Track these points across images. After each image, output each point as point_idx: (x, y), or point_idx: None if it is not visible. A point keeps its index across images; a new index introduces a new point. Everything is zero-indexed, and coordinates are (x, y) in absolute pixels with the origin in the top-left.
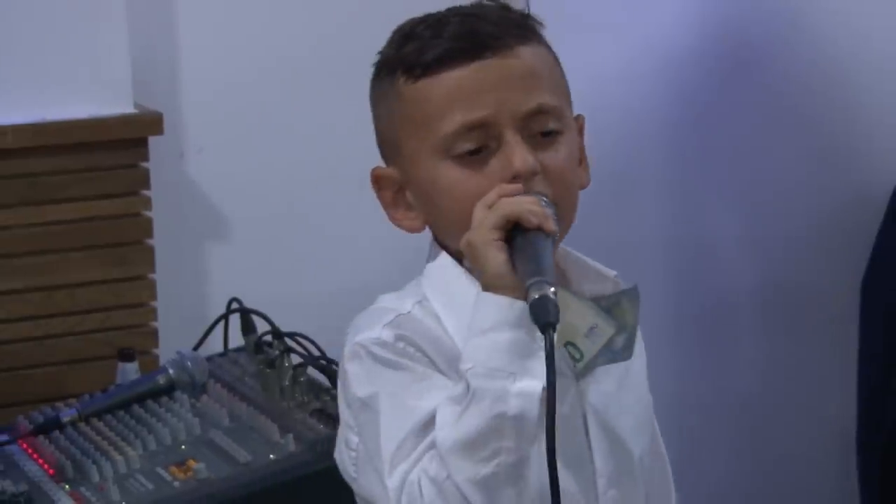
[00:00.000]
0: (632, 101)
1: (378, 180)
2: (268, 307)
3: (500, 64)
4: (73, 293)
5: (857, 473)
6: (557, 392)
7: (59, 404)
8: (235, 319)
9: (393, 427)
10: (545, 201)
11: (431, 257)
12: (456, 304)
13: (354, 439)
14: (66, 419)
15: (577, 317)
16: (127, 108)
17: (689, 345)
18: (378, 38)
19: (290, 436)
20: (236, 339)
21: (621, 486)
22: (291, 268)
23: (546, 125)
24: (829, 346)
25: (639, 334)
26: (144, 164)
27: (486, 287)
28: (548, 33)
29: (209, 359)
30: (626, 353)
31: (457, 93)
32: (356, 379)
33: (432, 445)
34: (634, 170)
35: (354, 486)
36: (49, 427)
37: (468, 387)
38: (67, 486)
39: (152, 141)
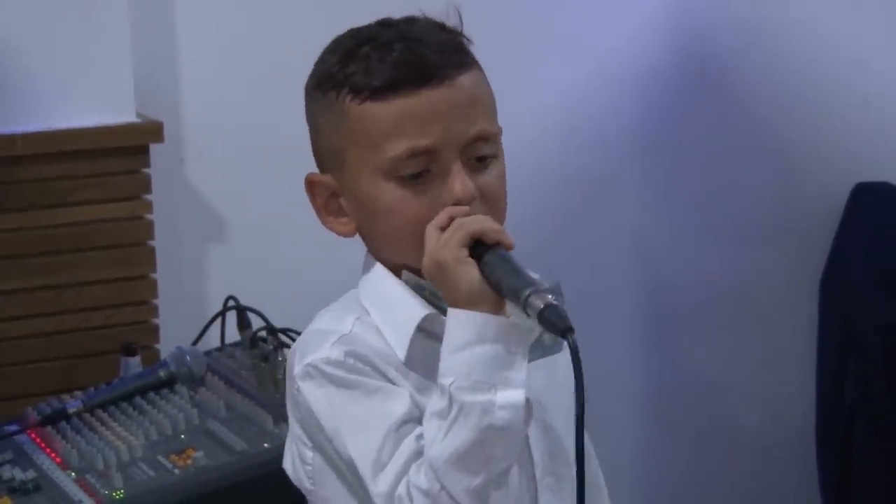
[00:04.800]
0: (604, 112)
1: (312, 186)
2: (262, 304)
3: (446, 93)
4: (79, 292)
5: (816, 458)
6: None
7: (66, 396)
8: (232, 316)
9: (363, 441)
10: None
11: (366, 269)
12: (393, 315)
13: (309, 454)
14: (72, 410)
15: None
16: (129, 118)
17: (657, 338)
18: None
19: (284, 425)
20: (233, 335)
21: (556, 473)
22: (284, 268)
23: (483, 150)
24: (789, 340)
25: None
26: (146, 170)
27: (461, 303)
28: (523, 50)
29: (207, 353)
30: (555, 346)
31: (405, 119)
32: (312, 399)
33: (416, 455)
34: (607, 176)
35: (311, 497)
36: (56, 418)
37: (451, 401)
38: (73, 474)
39: (153, 148)
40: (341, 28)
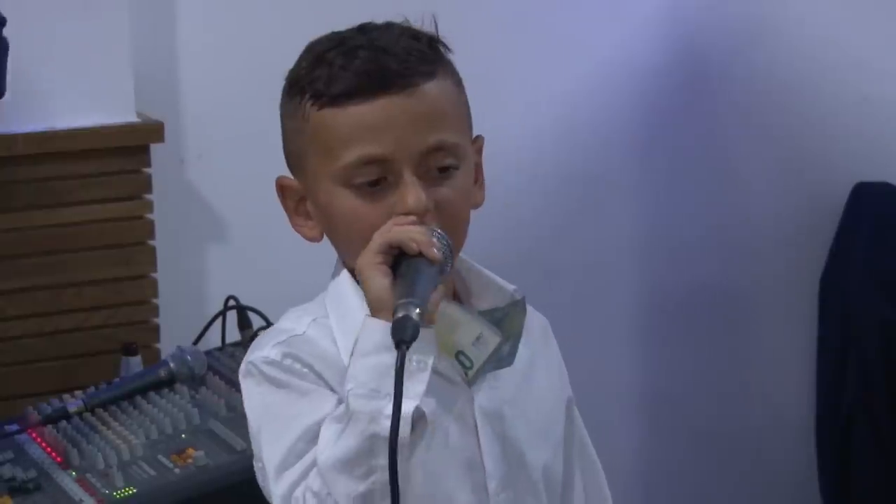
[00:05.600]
0: (603, 112)
1: (282, 189)
2: (262, 304)
3: (403, 103)
4: (80, 291)
5: (816, 458)
6: (446, 399)
7: (67, 396)
8: (232, 316)
9: (276, 439)
10: (439, 233)
11: (335, 273)
12: (347, 322)
13: (258, 451)
14: (73, 410)
15: (465, 328)
16: (130, 118)
17: (656, 338)
18: None
19: None
20: (233, 335)
21: (516, 488)
22: (284, 267)
23: (443, 161)
24: (788, 339)
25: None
26: (146, 170)
27: (371, 309)
28: (523, 50)
29: (208, 353)
30: (509, 358)
31: (359, 127)
32: (247, 396)
33: (316, 462)
34: (607, 176)
35: (265, 493)
36: (57, 417)
37: (347, 407)
38: (74, 473)
39: (154, 148)
40: (341, 27)
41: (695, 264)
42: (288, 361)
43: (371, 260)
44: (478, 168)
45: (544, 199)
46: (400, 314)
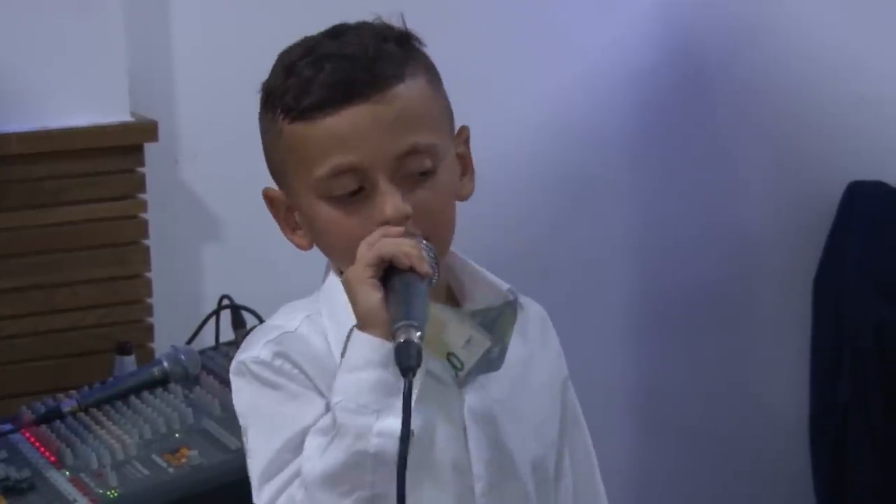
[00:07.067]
0: (597, 111)
1: (270, 200)
2: (256, 303)
3: (371, 110)
4: (74, 291)
5: (810, 458)
6: (437, 401)
7: (61, 395)
8: (226, 315)
9: (262, 445)
10: (425, 244)
11: (325, 274)
12: (339, 323)
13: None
14: (66, 409)
15: (456, 330)
16: (124, 117)
17: (650, 337)
18: None
19: None
20: (227, 334)
21: (503, 489)
22: (278, 267)
23: (420, 164)
24: (782, 339)
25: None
26: (141, 170)
27: (359, 323)
28: (519, 51)
29: (202, 352)
30: (498, 362)
31: (329, 139)
32: (236, 396)
33: (300, 472)
34: (602, 175)
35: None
36: (51, 417)
37: (334, 420)
38: (68, 473)
39: (148, 147)
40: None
41: (689, 263)
42: (278, 362)
43: (361, 274)
44: (465, 159)
45: (539, 196)
46: (402, 338)
